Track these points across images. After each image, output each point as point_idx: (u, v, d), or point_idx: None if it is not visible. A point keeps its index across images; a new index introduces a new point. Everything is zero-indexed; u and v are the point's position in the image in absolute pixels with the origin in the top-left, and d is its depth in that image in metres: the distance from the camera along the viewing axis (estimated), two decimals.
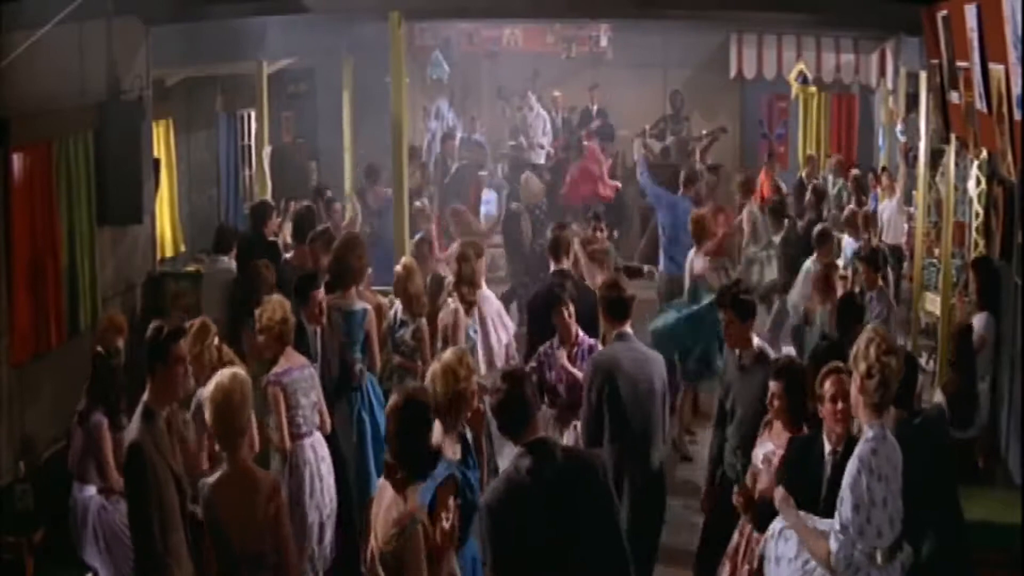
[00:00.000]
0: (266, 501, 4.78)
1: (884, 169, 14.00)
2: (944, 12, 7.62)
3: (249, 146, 13.75)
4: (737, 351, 6.22)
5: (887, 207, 13.07)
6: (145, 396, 4.89)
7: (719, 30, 16.25)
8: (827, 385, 5.01)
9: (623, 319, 6.34)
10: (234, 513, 4.71)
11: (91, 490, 6.13)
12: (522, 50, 16.44)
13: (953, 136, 9.25)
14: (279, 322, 6.43)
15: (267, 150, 12.62)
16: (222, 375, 4.89)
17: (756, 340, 6.25)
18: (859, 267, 9.43)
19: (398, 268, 7.81)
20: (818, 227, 10.36)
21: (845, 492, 4.42)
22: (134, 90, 9.17)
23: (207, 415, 4.87)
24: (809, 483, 4.92)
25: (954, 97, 7.98)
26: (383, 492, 4.52)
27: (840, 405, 4.93)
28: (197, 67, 11.36)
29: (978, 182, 10.83)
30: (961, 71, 7.35)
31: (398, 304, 7.79)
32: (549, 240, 8.37)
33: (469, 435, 5.11)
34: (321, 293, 7.07)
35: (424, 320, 7.65)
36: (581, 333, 6.96)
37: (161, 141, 11.48)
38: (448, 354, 4.94)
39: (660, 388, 6.29)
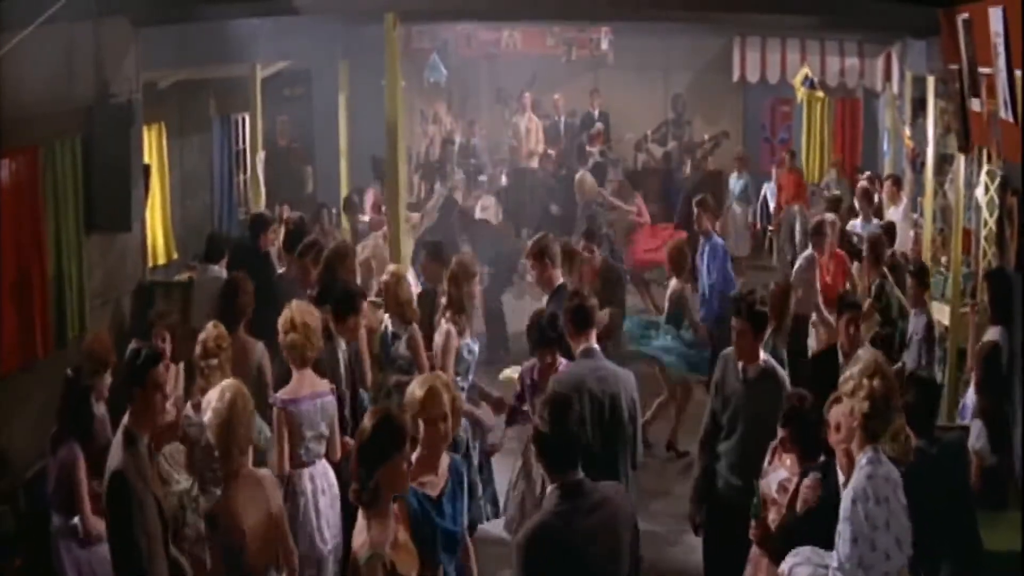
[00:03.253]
0: (273, 497, 4.74)
1: (891, 176, 13.80)
2: (965, 15, 7.29)
3: (244, 151, 13.57)
4: (741, 364, 5.96)
5: (893, 215, 12.86)
6: (126, 420, 4.68)
7: (722, 33, 16.08)
8: (833, 413, 4.79)
9: (586, 329, 5.92)
10: (251, 519, 4.59)
11: (69, 520, 5.83)
12: (521, 53, 16.24)
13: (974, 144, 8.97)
14: (300, 333, 5.98)
15: (260, 155, 12.44)
16: (224, 387, 4.78)
17: (763, 355, 6.00)
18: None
19: (385, 276, 7.50)
20: (815, 219, 10.29)
21: (843, 525, 4.25)
22: (123, 93, 8.94)
23: (210, 431, 4.73)
24: (824, 516, 4.67)
25: (975, 105, 7.67)
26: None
27: (844, 433, 4.68)
28: (189, 70, 11.17)
29: (986, 189, 10.63)
30: (983, 77, 7.05)
31: (386, 317, 7.51)
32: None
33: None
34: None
35: (416, 327, 7.38)
36: (564, 363, 6.41)
37: (153, 146, 11.34)
38: (430, 377, 4.72)
39: (629, 409, 5.87)
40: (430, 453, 4.62)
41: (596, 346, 5.97)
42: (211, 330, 6.25)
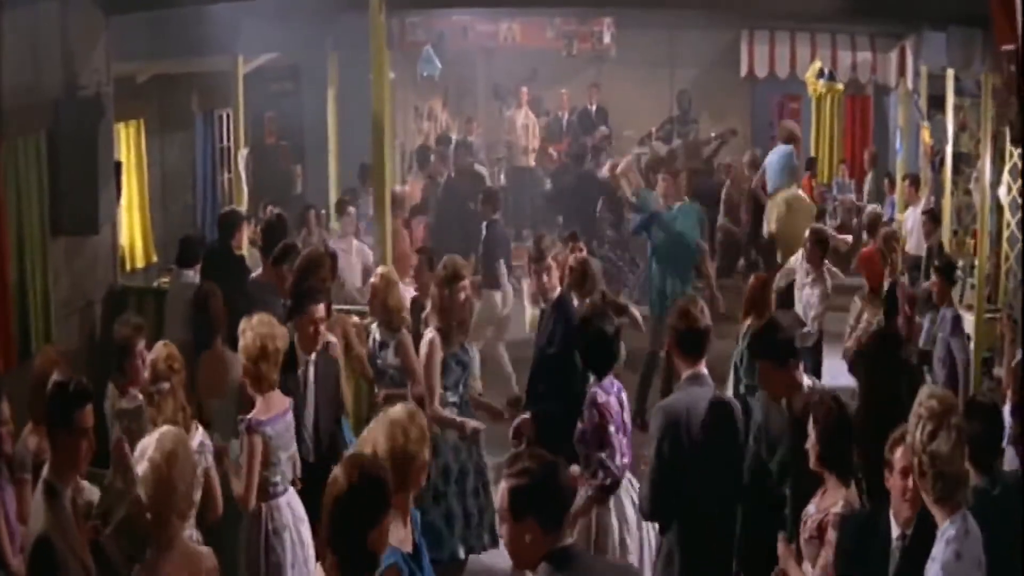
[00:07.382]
0: None
1: (908, 176, 13.33)
2: None
3: (228, 148, 13.14)
4: (784, 400, 5.19)
5: (910, 215, 12.40)
6: (46, 471, 4.04)
7: (730, 26, 15.58)
8: (897, 455, 4.04)
9: (699, 355, 5.23)
10: None
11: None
12: (519, 47, 15.69)
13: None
14: (259, 349, 5.36)
15: (243, 152, 11.94)
16: (163, 436, 4.05)
17: (807, 380, 5.27)
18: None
19: (374, 280, 6.92)
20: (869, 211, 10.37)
21: None
22: (92, 86, 8.52)
23: (142, 488, 3.98)
24: (871, 573, 4.04)
25: None
26: None
27: (912, 483, 3.95)
28: (166, 63, 10.77)
29: (1008, 189, 10.10)
30: None
31: (374, 327, 6.92)
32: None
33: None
34: (320, 310, 6.10)
35: (405, 333, 6.78)
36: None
37: (131, 143, 11.11)
38: (398, 409, 4.02)
39: (740, 442, 5.25)
40: (405, 503, 3.95)
41: (705, 371, 5.27)
42: (161, 349, 5.56)
